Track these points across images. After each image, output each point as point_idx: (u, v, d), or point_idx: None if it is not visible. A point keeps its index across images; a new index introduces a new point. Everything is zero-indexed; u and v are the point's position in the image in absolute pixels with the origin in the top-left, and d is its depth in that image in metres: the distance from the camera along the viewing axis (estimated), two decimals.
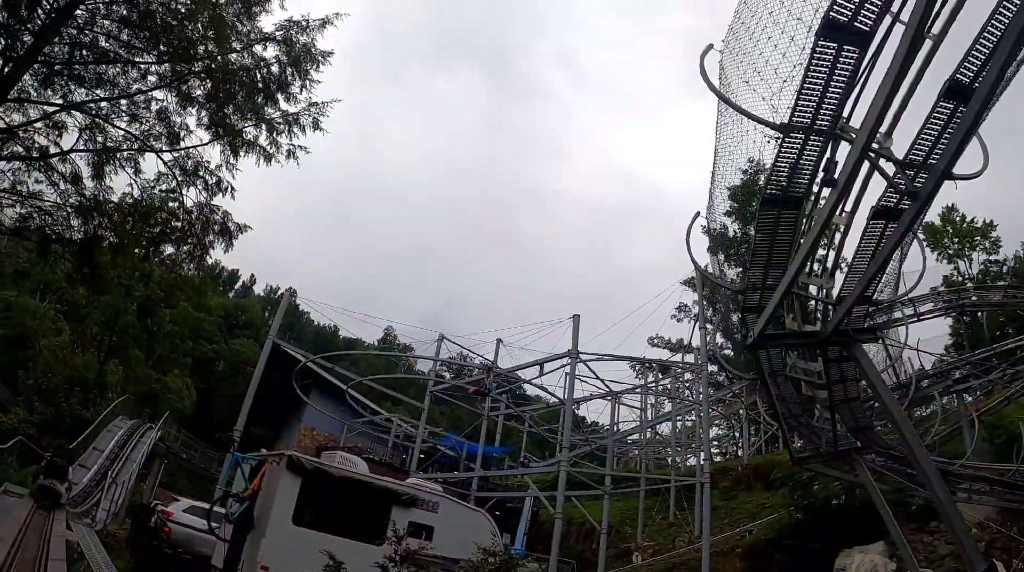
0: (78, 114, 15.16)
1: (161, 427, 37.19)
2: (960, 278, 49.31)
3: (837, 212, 9.59)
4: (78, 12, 14.35)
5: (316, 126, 16.33)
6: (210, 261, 17.11)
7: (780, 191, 9.69)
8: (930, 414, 33.61)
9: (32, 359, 39.12)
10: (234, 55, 15.56)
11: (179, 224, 16.01)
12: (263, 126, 16.03)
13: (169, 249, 17.06)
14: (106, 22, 15.05)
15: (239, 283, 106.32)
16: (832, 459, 17.61)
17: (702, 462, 29.38)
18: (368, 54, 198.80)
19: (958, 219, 50.63)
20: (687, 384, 44.46)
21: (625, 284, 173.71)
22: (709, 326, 37.94)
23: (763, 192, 9.87)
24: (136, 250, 16.85)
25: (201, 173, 15.96)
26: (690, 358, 46.39)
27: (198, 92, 15.51)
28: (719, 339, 51.05)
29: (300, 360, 35.22)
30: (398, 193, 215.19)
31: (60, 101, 15.32)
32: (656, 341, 59.77)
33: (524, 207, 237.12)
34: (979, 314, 43.91)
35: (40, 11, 13.92)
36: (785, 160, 9.33)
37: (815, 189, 9.90)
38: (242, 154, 15.96)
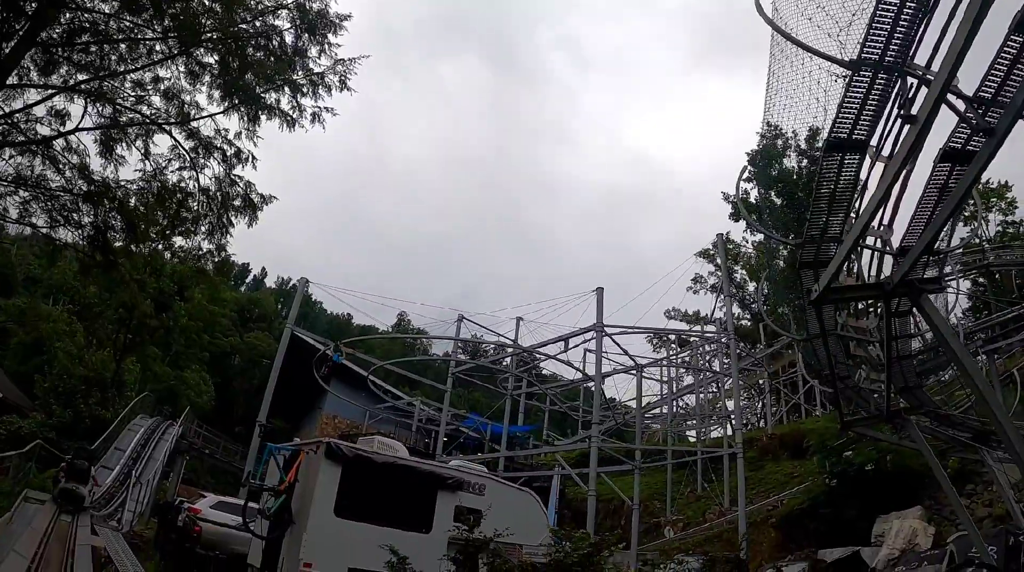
0: (82, 98, 14.33)
1: (182, 423, 36.98)
2: (977, 240, 48.66)
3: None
4: None
5: (344, 85, 15.20)
6: (227, 246, 15.93)
7: (847, 134, 9.07)
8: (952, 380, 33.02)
9: (48, 363, 38.84)
10: (245, 24, 14.55)
11: (195, 205, 15.04)
12: (285, 88, 14.92)
13: (183, 240, 16.09)
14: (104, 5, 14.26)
15: (250, 277, 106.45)
16: (880, 422, 17.04)
17: (732, 432, 28.90)
18: (370, 48, 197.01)
19: None
20: (710, 354, 44.07)
21: (639, 265, 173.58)
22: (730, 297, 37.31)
23: (829, 136, 9.24)
24: (150, 239, 15.92)
25: (218, 143, 14.95)
26: (711, 329, 45.96)
27: (210, 61, 14.48)
28: (735, 309, 50.62)
29: (318, 348, 34.79)
30: (406, 185, 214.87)
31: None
32: (673, 314, 59.54)
33: (535, 193, 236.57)
34: (997, 276, 43.31)
35: None
36: (853, 99, 8.70)
37: (878, 131, 9.30)
38: (263, 119, 14.89)
